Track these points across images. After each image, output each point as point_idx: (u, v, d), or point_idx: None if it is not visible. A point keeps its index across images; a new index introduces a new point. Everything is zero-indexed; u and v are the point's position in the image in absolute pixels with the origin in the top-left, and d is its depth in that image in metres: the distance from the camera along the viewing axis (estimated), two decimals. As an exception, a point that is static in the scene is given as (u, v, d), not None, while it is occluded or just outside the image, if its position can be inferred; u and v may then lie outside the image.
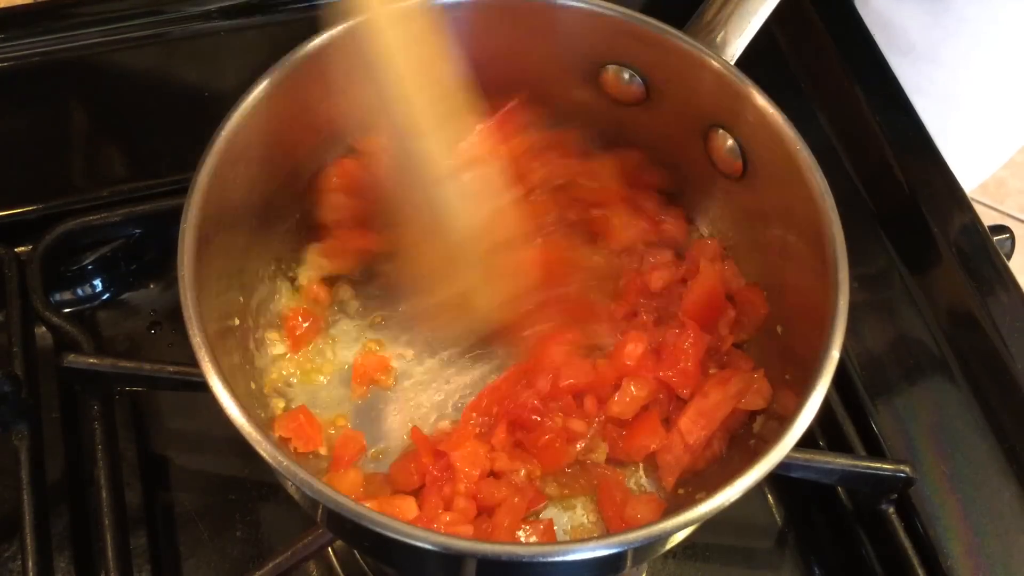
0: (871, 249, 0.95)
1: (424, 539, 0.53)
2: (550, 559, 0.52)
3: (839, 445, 0.86)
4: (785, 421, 0.58)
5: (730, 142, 0.76)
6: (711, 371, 0.78)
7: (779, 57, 1.07)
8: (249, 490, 0.84)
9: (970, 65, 1.15)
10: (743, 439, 0.72)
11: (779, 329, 0.75)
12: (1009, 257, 0.91)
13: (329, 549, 0.82)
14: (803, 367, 0.64)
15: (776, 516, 0.87)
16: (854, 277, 0.91)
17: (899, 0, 1.15)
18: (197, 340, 0.56)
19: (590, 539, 0.53)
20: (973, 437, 0.85)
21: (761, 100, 0.72)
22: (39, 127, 0.98)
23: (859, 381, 0.87)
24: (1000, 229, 0.91)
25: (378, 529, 0.53)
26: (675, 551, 0.85)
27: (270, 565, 0.72)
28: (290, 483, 0.58)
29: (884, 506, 0.83)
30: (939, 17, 1.13)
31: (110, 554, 0.77)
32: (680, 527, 0.53)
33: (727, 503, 0.55)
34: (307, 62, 0.71)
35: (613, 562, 0.58)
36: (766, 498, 0.88)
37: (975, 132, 1.22)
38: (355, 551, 0.82)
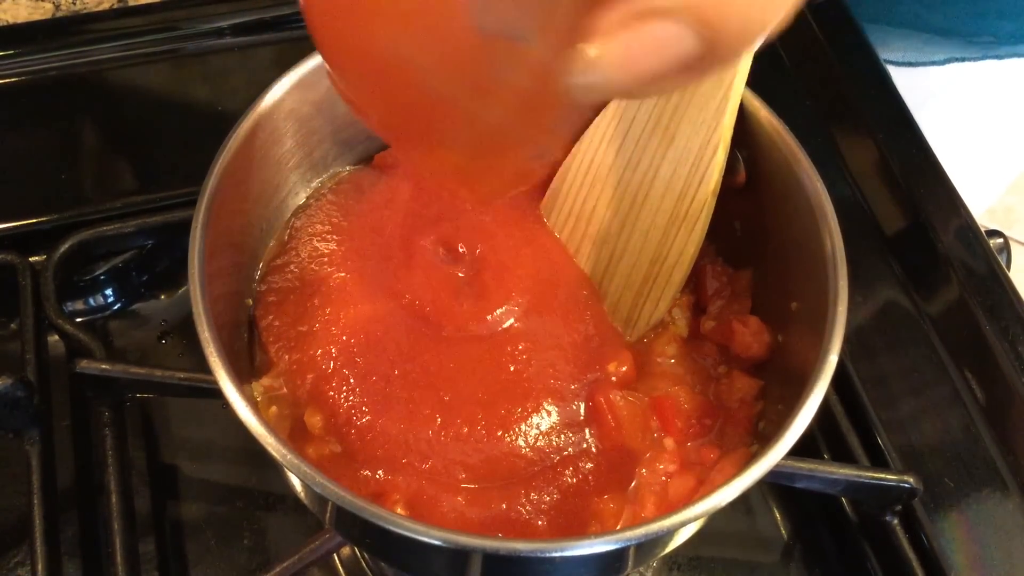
0: (876, 266, 0.96)
1: (428, 534, 0.53)
2: (549, 554, 0.53)
3: (844, 457, 0.86)
4: (786, 420, 0.58)
5: (735, 154, 0.77)
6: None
7: (782, 71, 1.08)
8: (256, 499, 0.85)
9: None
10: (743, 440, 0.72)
11: (780, 338, 0.75)
12: (1007, 262, 0.92)
13: (335, 556, 0.83)
14: (804, 373, 0.64)
15: (781, 529, 0.88)
16: (860, 293, 0.93)
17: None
18: (206, 336, 0.56)
19: (590, 536, 0.53)
20: (977, 449, 0.85)
21: (763, 112, 0.73)
22: (54, 139, 0.99)
23: (864, 393, 0.88)
24: (993, 234, 0.92)
25: (384, 524, 0.53)
26: (680, 563, 0.85)
27: (277, 568, 0.73)
28: (298, 480, 0.59)
29: (888, 518, 0.83)
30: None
31: (119, 560, 0.77)
32: (679, 524, 0.54)
33: (727, 501, 0.55)
34: (319, 70, 0.72)
35: (614, 560, 0.59)
36: (771, 511, 0.88)
37: (978, 149, 1.23)
38: (361, 556, 0.82)
